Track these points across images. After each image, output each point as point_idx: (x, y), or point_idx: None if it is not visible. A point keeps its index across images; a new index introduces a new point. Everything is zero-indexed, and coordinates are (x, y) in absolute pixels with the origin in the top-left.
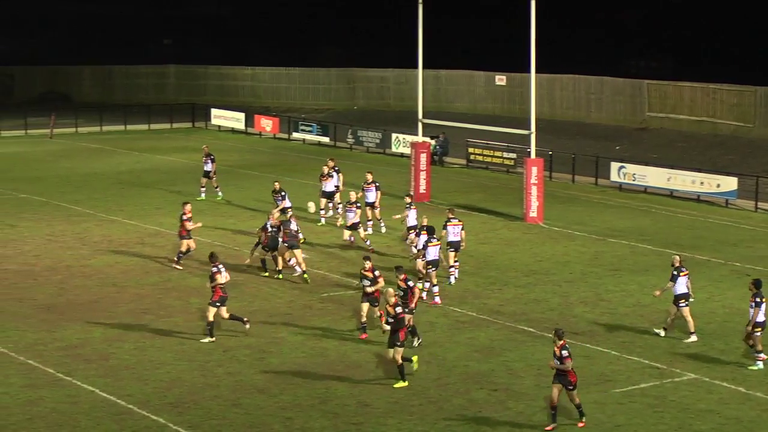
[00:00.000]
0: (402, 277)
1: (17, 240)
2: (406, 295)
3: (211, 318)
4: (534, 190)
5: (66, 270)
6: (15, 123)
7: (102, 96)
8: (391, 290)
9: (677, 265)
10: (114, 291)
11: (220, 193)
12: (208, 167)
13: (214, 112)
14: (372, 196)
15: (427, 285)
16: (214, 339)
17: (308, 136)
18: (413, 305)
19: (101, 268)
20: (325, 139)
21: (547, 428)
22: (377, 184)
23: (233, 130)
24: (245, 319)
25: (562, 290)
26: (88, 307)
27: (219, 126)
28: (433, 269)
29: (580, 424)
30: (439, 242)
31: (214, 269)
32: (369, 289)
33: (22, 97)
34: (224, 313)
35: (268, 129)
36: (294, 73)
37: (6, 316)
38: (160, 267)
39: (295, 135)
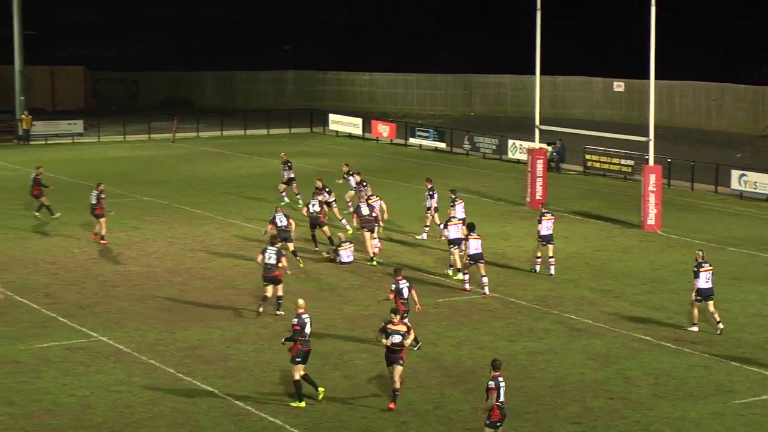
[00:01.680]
0: (398, 277)
1: (140, 242)
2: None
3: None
4: (652, 198)
5: (186, 272)
6: (139, 127)
7: (223, 101)
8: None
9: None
10: (233, 293)
11: (300, 202)
12: (288, 175)
13: (331, 117)
14: (432, 201)
15: (467, 276)
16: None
17: (425, 142)
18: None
19: (221, 271)
20: (442, 145)
21: None
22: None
23: (350, 136)
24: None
25: (680, 299)
26: (207, 309)
27: (336, 131)
28: (474, 263)
29: None
30: (480, 236)
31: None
32: (395, 346)
33: (146, 102)
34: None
35: (385, 134)
36: (411, 78)
37: (129, 316)
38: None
39: (411, 141)
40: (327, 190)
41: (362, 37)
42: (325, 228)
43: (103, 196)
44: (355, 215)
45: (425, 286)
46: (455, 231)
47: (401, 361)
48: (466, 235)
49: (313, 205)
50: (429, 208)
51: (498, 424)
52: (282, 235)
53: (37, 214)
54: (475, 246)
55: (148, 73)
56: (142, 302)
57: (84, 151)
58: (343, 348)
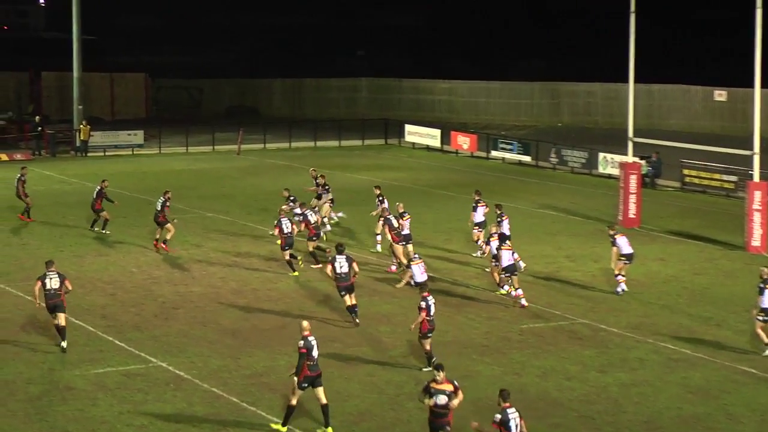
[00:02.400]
0: (425, 294)
1: (203, 261)
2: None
3: (428, 347)
4: (757, 217)
5: (252, 293)
6: (202, 138)
7: (291, 110)
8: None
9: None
10: (301, 317)
11: (335, 216)
12: (324, 197)
13: (408, 128)
14: (479, 216)
15: (506, 288)
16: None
17: (508, 155)
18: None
19: (288, 293)
20: (527, 159)
21: None
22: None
23: (428, 148)
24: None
25: None
26: (273, 334)
27: (413, 143)
28: (508, 275)
29: None
30: (511, 247)
31: (423, 304)
32: (440, 408)
33: (210, 112)
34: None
35: (465, 147)
36: (494, 86)
37: (191, 340)
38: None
39: (493, 153)
40: (292, 199)
41: (442, 43)
42: (310, 244)
43: (168, 204)
44: (386, 228)
45: (506, 311)
46: (507, 257)
47: (448, 428)
48: (498, 248)
49: (285, 224)
50: (478, 224)
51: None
52: (288, 241)
53: (97, 229)
54: (507, 258)
55: (212, 80)
56: (205, 326)
57: (144, 163)
58: (419, 377)
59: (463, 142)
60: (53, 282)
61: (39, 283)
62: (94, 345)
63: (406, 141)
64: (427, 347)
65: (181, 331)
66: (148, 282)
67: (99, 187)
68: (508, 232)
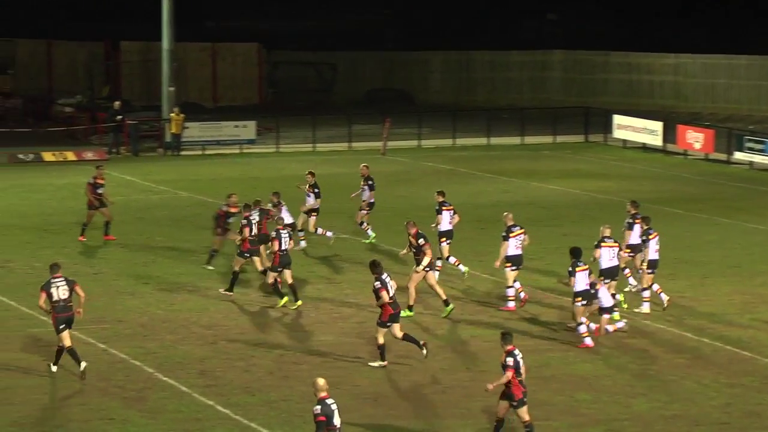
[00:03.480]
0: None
1: (335, 300)
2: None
3: (381, 340)
4: None
5: (402, 346)
6: (335, 133)
7: (456, 95)
8: None
9: None
10: (467, 377)
11: (370, 232)
12: (365, 195)
13: (616, 119)
14: (635, 236)
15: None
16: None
17: (757, 158)
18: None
19: (449, 344)
20: None
21: None
22: None
23: (645, 147)
24: (422, 342)
25: None
26: (431, 399)
27: (624, 140)
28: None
29: None
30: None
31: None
32: None
33: (346, 96)
34: (397, 331)
35: (698, 146)
36: (738, 62)
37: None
38: (535, 344)
39: (737, 156)
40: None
41: (666, 6)
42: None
43: (271, 215)
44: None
45: (752, 374)
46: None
47: None
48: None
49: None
50: (631, 248)
51: (525, 399)
52: (284, 261)
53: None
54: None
55: (349, 53)
56: (336, 387)
57: (256, 165)
58: None
59: (694, 139)
60: (61, 291)
61: (44, 295)
62: (188, 411)
63: (613, 138)
64: (526, 417)
65: (304, 394)
66: (260, 327)
67: (225, 206)
68: (656, 256)
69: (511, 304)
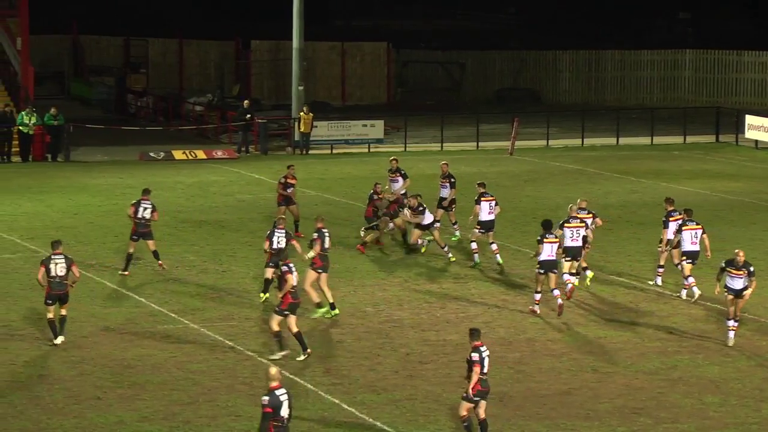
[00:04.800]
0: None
1: (461, 299)
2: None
3: (275, 327)
4: None
5: (527, 345)
6: (463, 132)
7: (585, 94)
8: None
9: None
10: (594, 378)
11: (457, 233)
12: (445, 192)
13: (749, 120)
14: (671, 232)
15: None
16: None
17: None
18: None
19: (575, 346)
20: None
21: None
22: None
23: None
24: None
25: None
26: (556, 401)
27: (756, 141)
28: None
29: None
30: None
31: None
32: None
33: (474, 95)
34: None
35: None
36: None
37: (443, 407)
38: (663, 346)
39: None
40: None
41: None
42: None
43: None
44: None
45: None
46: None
47: None
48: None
49: (278, 239)
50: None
51: (476, 398)
52: (274, 260)
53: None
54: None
55: (477, 52)
56: (461, 387)
57: (384, 164)
58: None
59: None
60: (59, 268)
61: (42, 269)
62: (313, 408)
63: (745, 138)
64: (464, 412)
65: (430, 393)
66: (387, 326)
67: (372, 192)
68: (695, 247)
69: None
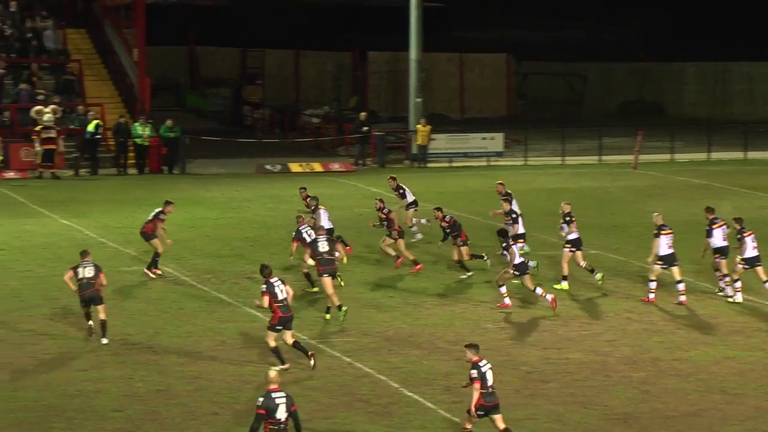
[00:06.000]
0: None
1: (583, 317)
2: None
3: (272, 344)
4: None
5: (652, 364)
6: (585, 145)
7: (710, 107)
8: None
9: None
10: (723, 400)
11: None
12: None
13: None
14: (718, 239)
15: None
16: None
17: None
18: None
19: (704, 365)
20: None
21: None
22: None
23: None
24: (310, 353)
25: None
26: (683, 423)
27: None
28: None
29: None
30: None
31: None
32: None
33: (597, 108)
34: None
35: None
36: None
37: (566, 427)
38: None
39: None
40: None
41: None
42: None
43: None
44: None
45: None
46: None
47: None
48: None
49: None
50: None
51: (480, 413)
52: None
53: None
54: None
55: (600, 64)
56: (586, 407)
57: (503, 178)
58: None
59: None
60: (87, 271)
61: (70, 272)
62: (433, 427)
63: None
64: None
65: (552, 413)
66: (507, 343)
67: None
68: (754, 252)
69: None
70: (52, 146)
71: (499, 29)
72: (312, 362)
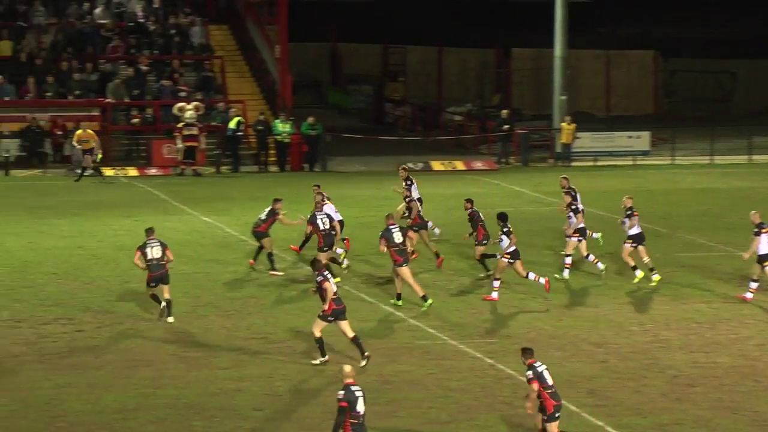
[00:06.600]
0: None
1: (731, 320)
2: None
3: (318, 333)
4: None
5: None
6: (735, 144)
7: None
8: None
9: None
10: None
11: (595, 235)
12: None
13: None
14: (765, 245)
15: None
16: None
17: None
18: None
19: None
20: None
21: None
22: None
23: None
24: (366, 353)
25: None
26: None
27: None
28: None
29: None
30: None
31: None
32: None
33: (747, 106)
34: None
35: None
36: None
37: None
38: None
39: None
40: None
41: None
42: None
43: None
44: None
45: None
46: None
47: None
48: None
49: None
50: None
51: (557, 414)
52: (329, 240)
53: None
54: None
55: (750, 61)
56: (734, 413)
57: (649, 177)
58: None
59: None
60: (155, 251)
61: (138, 253)
62: (576, 430)
63: None
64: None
65: (699, 419)
66: (653, 346)
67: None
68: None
69: None
70: (194, 143)
71: (647, 25)
72: (364, 363)
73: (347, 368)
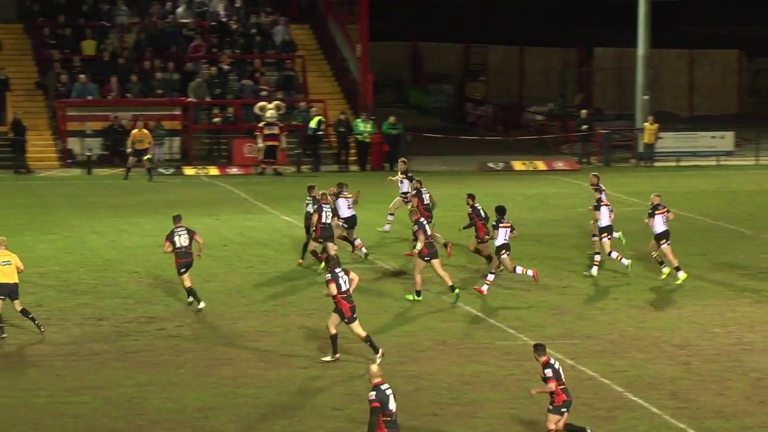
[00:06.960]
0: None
1: None
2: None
3: (332, 330)
4: None
5: None
6: None
7: None
8: None
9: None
10: None
11: (616, 234)
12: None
13: None
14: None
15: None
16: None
17: None
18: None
19: None
20: None
21: None
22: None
23: None
24: (381, 351)
25: None
26: None
27: None
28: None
29: None
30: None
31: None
32: None
33: None
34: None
35: None
36: None
37: None
38: None
39: None
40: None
41: None
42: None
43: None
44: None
45: None
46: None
47: None
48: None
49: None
50: None
51: (563, 409)
52: (327, 233)
53: None
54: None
55: None
56: None
57: (733, 178)
58: None
59: None
60: (183, 239)
61: (167, 243)
62: (650, 428)
63: None
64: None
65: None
66: (736, 348)
67: None
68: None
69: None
70: (275, 142)
71: (732, 24)
72: (377, 361)
73: (374, 368)
